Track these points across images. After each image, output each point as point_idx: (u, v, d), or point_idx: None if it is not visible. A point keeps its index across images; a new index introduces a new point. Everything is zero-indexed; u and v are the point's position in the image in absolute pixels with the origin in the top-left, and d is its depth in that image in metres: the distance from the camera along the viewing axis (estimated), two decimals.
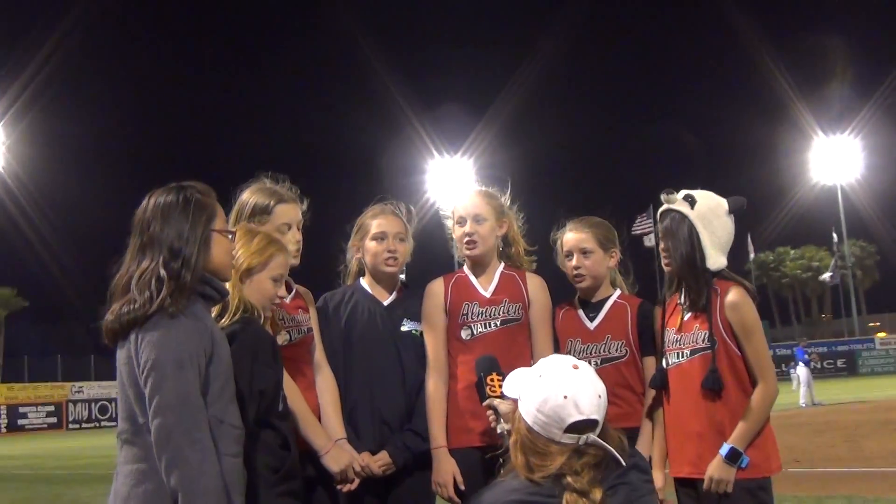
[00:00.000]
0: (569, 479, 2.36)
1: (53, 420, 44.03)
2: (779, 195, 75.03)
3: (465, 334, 3.62)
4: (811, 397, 24.35)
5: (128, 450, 2.54)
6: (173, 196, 2.65)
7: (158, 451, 2.41)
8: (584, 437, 2.41)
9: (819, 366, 35.51)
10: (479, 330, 3.62)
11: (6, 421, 42.53)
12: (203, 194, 2.70)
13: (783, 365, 50.47)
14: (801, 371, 25.55)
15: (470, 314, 3.64)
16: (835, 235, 64.87)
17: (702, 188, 3.51)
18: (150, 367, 2.44)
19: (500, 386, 2.75)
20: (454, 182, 47.09)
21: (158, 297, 2.49)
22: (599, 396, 2.46)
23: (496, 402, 2.75)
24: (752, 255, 70.23)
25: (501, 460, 2.63)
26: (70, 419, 44.39)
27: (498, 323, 3.63)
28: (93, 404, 45.59)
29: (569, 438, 2.41)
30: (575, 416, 2.40)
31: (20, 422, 42.86)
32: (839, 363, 50.45)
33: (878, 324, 74.17)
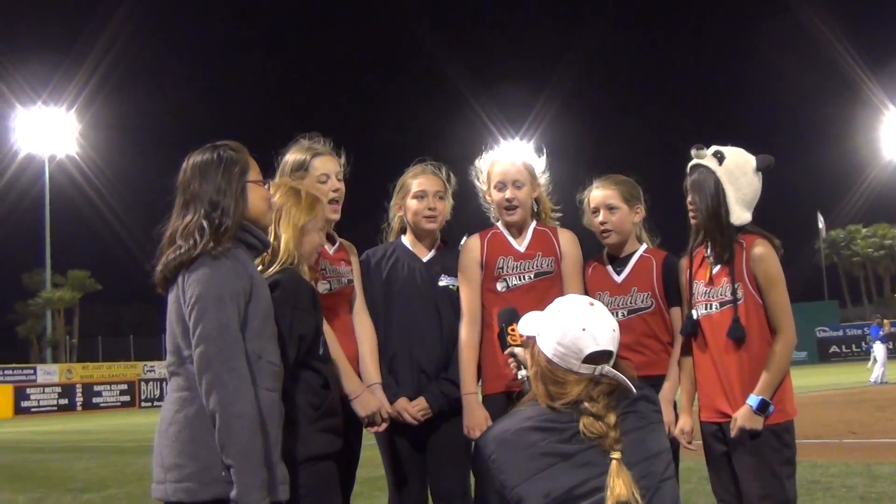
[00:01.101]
0: (586, 404, 2.54)
1: (127, 398, 45.46)
2: (850, 172, 73.37)
3: (500, 286, 3.80)
4: (882, 375, 23.89)
5: (174, 380, 2.79)
6: (209, 154, 2.90)
7: (199, 376, 2.64)
8: (600, 367, 2.58)
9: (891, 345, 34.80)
10: (514, 282, 3.81)
11: (82, 399, 44.02)
12: (235, 150, 2.94)
13: (853, 346, 49.79)
14: (877, 348, 25.12)
15: (505, 267, 3.82)
16: None
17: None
18: (195, 301, 2.68)
19: (521, 335, 2.92)
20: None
21: (202, 241, 2.75)
22: (614, 330, 2.63)
23: (517, 349, 2.92)
24: (823, 233, 68.72)
25: (515, 395, 2.81)
26: (142, 397, 45.79)
27: (532, 276, 3.81)
28: (164, 383, 46.90)
29: (586, 368, 2.58)
30: (592, 347, 2.57)
31: (95, 400, 44.32)
32: None
33: None
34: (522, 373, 2.86)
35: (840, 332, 52.18)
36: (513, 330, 2.96)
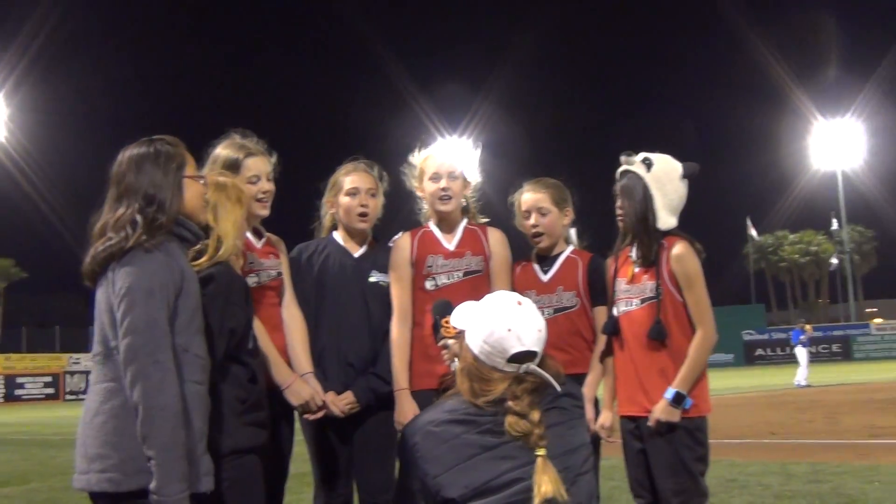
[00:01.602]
0: (510, 403, 2.61)
1: (51, 391, 44.35)
2: (779, 180, 75.43)
3: (429, 285, 3.88)
4: (804, 378, 24.63)
5: (99, 370, 2.80)
6: (146, 148, 2.91)
7: (124, 368, 2.66)
8: (525, 366, 2.66)
9: (814, 349, 35.81)
10: (443, 281, 3.88)
11: (4, 391, 42.84)
12: (172, 145, 2.95)
13: (778, 349, 51.15)
14: (799, 352, 25.88)
15: (434, 266, 3.90)
16: (834, 221, 65.06)
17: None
18: (124, 293, 2.69)
19: (455, 329, 2.99)
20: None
21: (134, 234, 2.75)
22: (539, 330, 2.70)
23: (450, 341, 2.98)
24: (755, 237, 70.34)
25: (441, 389, 2.88)
26: (67, 390, 44.70)
27: (461, 274, 3.89)
28: (90, 375, 45.84)
29: (510, 367, 2.65)
30: (517, 348, 2.64)
31: (17, 392, 43.19)
32: (834, 348, 50.71)
33: (875, 309, 74.43)
34: (455, 364, 2.93)
35: (766, 336, 53.61)
36: (447, 322, 3.02)
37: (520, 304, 2.76)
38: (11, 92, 59.76)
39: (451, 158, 3.99)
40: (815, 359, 32.69)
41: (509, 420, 2.58)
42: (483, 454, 2.56)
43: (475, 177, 4.08)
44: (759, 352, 52.48)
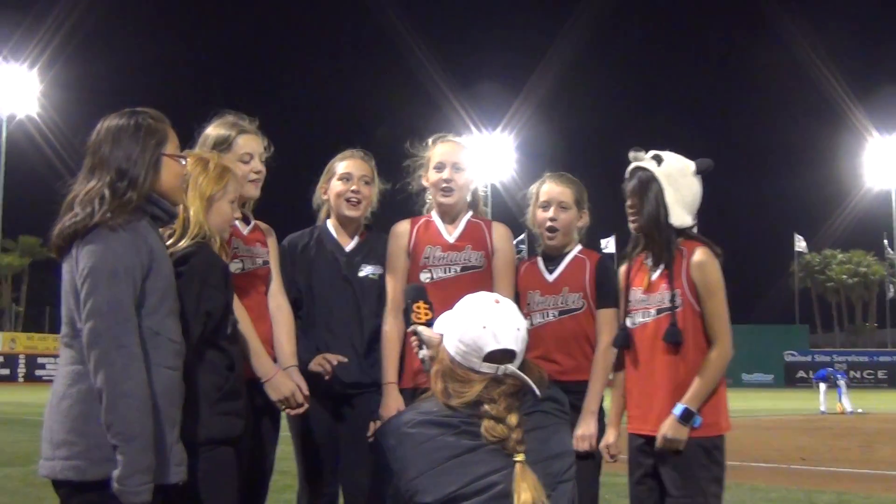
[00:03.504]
0: (486, 406, 2.53)
1: None
2: (830, 197, 74.35)
3: (424, 277, 3.76)
4: (842, 405, 24.16)
5: (66, 352, 2.73)
6: (125, 120, 2.82)
7: (87, 352, 2.59)
8: (503, 367, 2.58)
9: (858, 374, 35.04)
10: (439, 274, 3.77)
11: (25, 371, 43.54)
12: (155, 119, 2.86)
13: (811, 371, 50.34)
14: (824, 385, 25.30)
15: (432, 258, 3.79)
16: (886, 242, 63.98)
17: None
18: (87, 274, 2.62)
19: (426, 313, 2.91)
20: (493, 157, 47.59)
21: (100, 210, 2.67)
22: (518, 329, 2.62)
23: (420, 328, 2.91)
24: (804, 251, 69.42)
25: (420, 390, 2.81)
26: None
27: (458, 269, 3.78)
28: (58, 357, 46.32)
29: (487, 367, 2.58)
30: (492, 346, 2.57)
31: (38, 372, 43.85)
32: (880, 374, 49.97)
33: None
34: (423, 352, 2.86)
35: (808, 358, 52.94)
36: (418, 307, 2.95)
37: (497, 301, 2.70)
38: (46, 66, 60.42)
39: (458, 148, 3.90)
40: (859, 385, 32.17)
41: (486, 424, 2.51)
42: (459, 457, 2.50)
43: (489, 174, 3.99)
44: (801, 374, 51.80)
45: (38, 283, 62.69)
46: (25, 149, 60.62)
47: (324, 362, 3.75)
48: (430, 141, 3.97)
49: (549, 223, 3.85)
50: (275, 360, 3.65)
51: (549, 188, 3.89)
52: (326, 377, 3.74)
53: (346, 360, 3.76)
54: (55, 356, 43.93)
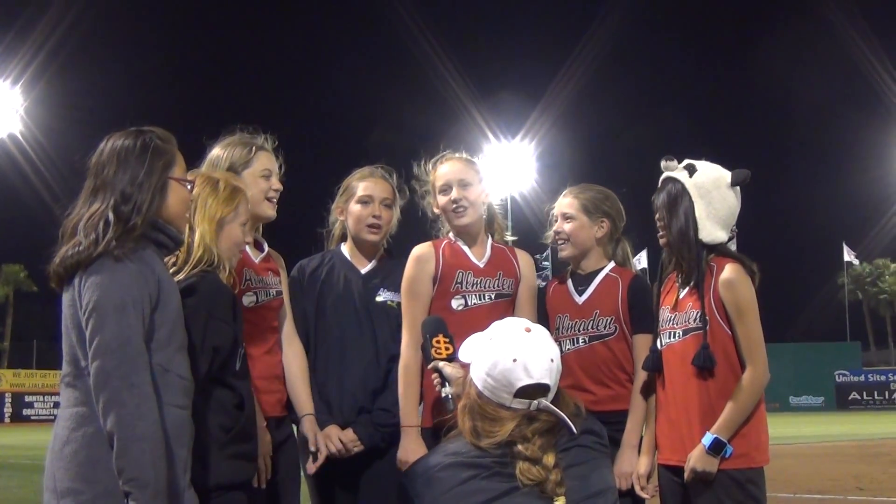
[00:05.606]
0: (519, 447, 2.52)
1: None
2: (879, 202, 73.77)
3: (456, 304, 3.72)
4: None
5: (69, 393, 2.73)
6: (131, 140, 2.83)
7: (96, 393, 2.59)
8: (536, 402, 2.57)
9: None
10: (474, 301, 3.73)
11: (11, 410, 43.53)
12: (163, 140, 2.87)
13: (875, 393, 49.95)
14: None
15: (465, 283, 3.74)
16: None
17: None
18: (92, 308, 2.62)
19: (447, 348, 2.90)
20: (513, 167, 47.63)
21: (104, 239, 2.68)
22: (552, 360, 2.61)
23: (441, 364, 2.90)
24: (855, 263, 68.86)
25: (445, 429, 2.79)
26: None
27: (493, 296, 3.75)
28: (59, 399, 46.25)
29: (519, 404, 2.56)
30: (524, 381, 2.55)
31: (26, 412, 43.84)
32: None
33: None
34: (447, 390, 2.85)
35: (861, 378, 52.35)
36: (437, 342, 2.95)
37: (528, 330, 2.67)
38: (29, 83, 60.79)
39: (459, 164, 3.87)
40: None
41: (521, 466, 2.50)
42: (493, 501, 2.48)
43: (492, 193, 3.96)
44: (854, 395, 51.24)
45: (23, 314, 62.86)
46: (7, 170, 60.94)
47: (329, 444, 3.72)
48: (430, 165, 3.96)
49: (556, 235, 3.89)
50: (288, 406, 3.68)
51: (559, 201, 3.94)
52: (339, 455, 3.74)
53: (355, 441, 3.77)
54: (44, 393, 44.75)
